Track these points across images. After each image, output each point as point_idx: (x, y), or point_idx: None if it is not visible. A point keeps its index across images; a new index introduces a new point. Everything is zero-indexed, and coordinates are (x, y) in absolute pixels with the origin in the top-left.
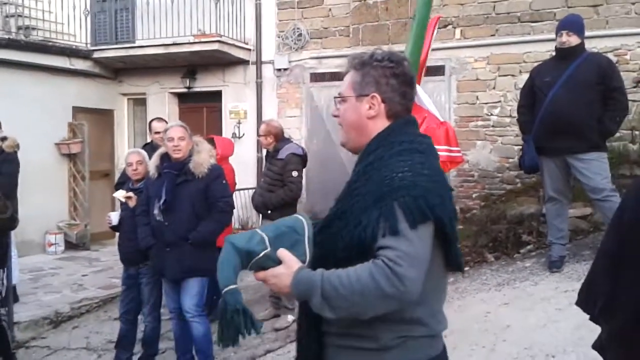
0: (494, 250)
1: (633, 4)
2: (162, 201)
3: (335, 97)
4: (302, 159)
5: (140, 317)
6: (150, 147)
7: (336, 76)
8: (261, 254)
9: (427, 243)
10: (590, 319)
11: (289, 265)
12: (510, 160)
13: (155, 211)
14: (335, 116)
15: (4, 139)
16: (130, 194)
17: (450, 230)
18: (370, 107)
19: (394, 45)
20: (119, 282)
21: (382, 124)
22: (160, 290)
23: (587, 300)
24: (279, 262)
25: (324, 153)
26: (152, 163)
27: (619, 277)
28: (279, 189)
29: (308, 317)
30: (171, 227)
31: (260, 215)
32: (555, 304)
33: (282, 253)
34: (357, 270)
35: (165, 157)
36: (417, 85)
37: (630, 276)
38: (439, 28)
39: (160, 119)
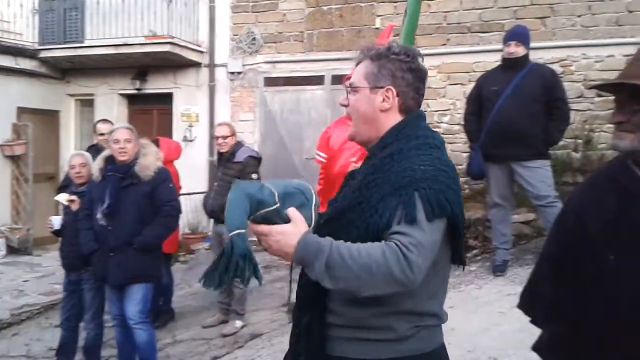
0: None
1: (579, 16)
2: (105, 205)
3: (346, 86)
4: (259, 162)
5: (82, 324)
6: (95, 150)
7: (290, 81)
8: (272, 207)
9: (438, 238)
10: (531, 322)
11: (298, 225)
12: (459, 167)
13: (99, 215)
14: (343, 105)
15: None
16: (73, 197)
17: (462, 226)
18: (384, 100)
19: (348, 52)
20: (61, 288)
21: (394, 117)
22: (102, 297)
23: (528, 304)
24: (286, 220)
25: (277, 157)
26: (96, 166)
27: (561, 281)
28: None
29: (312, 309)
30: (115, 232)
31: (212, 220)
32: (498, 307)
33: (293, 212)
34: (367, 246)
35: (109, 159)
36: None
37: (571, 280)
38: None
39: (105, 121)
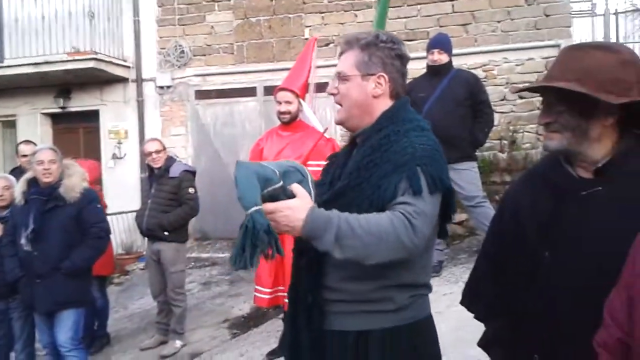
0: None
1: (499, 22)
2: (29, 230)
3: (336, 75)
4: (194, 176)
5: (12, 354)
6: (18, 172)
7: (222, 93)
8: (278, 184)
9: (437, 209)
10: (475, 318)
11: (304, 200)
12: None
13: (23, 241)
14: (332, 94)
15: None
16: None
17: (454, 201)
18: (376, 86)
19: (279, 63)
20: None
21: (384, 102)
22: (32, 325)
23: (471, 300)
24: (290, 196)
25: (212, 171)
26: (18, 189)
27: (499, 279)
28: (174, 209)
29: (311, 288)
30: (41, 257)
31: (147, 238)
32: (435, 307)
33: (297, 188)
34: (375, 216)
35: (32, 182)
36: (304, 103)
37: (508, 278)
38: (320, 47)
39: (28, 142)
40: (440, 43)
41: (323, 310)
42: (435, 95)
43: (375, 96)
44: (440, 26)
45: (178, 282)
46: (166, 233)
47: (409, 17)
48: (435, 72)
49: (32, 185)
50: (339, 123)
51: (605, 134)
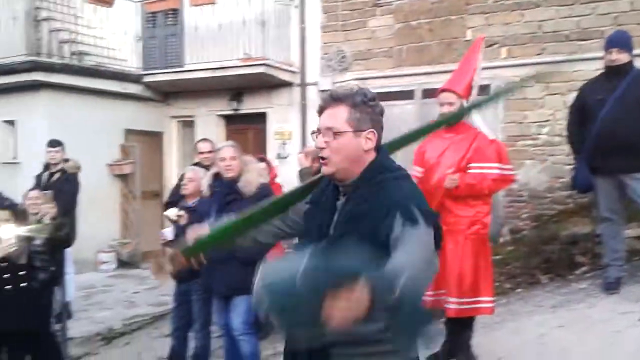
0: (547, 272)
1: None
2: (210, 220)
3: (323, 130)
4: None
5: (191, 333)
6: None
7: (380, 96)
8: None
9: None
10: None
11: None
12: (561, 180)
13: None
14: (321, 148)
15: (67, 160)
16: (181, 212)
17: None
18: (366, 141)
19: (437, 66)
20: (169, 299)
21: (371, 154)
22: (210, 307)
23: None
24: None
25: None
26: (205, 182)
27: None
28: None
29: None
30: None
31: None
32: (613, 326)
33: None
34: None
35: (217, 176)
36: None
37: None
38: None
39: (205, 140)
40: (620, 41)
41: (327, 354)
42: (615, 97)
43: (366, 150)
44: (618, 25)
45: None
46: None
47: (582, 16)
48: (614, 72)
49: (217, 179)
50: (328, 175)
51: None
